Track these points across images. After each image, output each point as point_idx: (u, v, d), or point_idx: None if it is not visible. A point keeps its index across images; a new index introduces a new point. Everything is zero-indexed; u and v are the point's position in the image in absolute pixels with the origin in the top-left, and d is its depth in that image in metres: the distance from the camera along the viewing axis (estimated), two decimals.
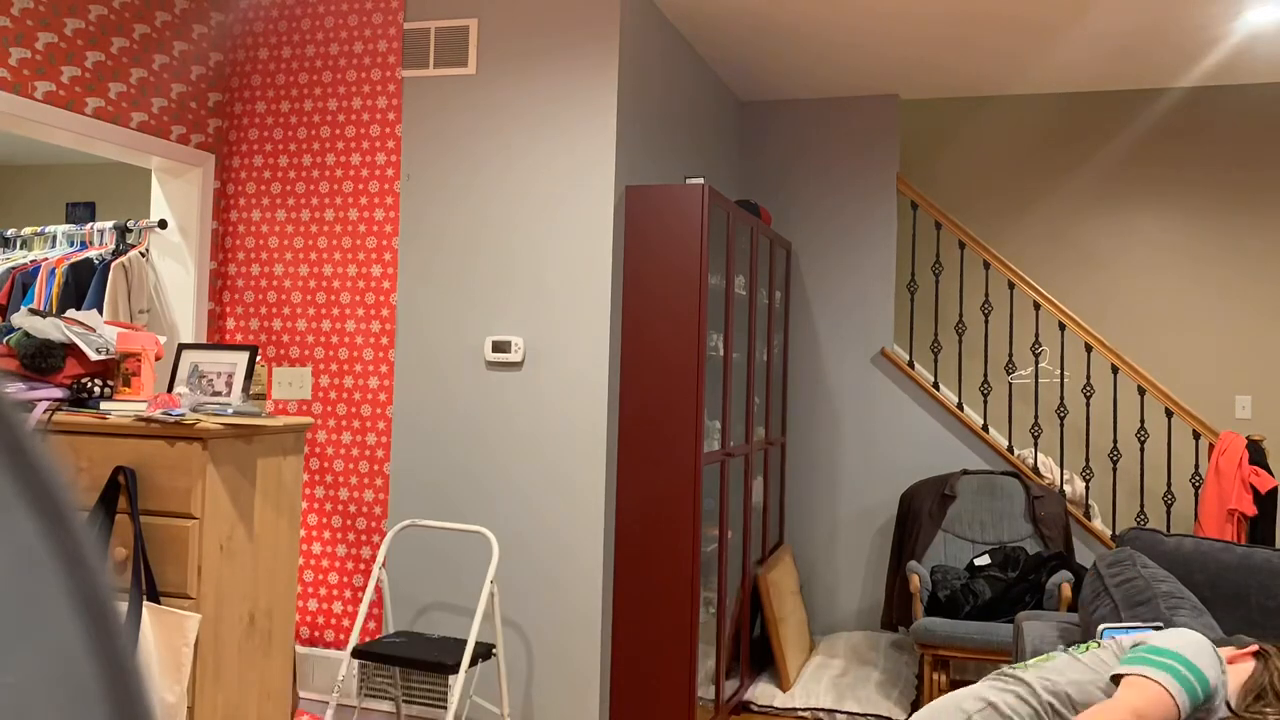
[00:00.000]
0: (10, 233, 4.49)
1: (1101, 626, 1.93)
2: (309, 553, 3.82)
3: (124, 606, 2.28)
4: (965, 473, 4.67)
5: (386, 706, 3.70)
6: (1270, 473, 4.38)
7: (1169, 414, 4.64)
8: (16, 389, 2.53)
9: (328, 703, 3.75)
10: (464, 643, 3.26)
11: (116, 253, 3.95)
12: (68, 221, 4.86)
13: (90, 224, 4.28)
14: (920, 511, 4.59)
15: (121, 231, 4.05)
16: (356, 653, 3.33)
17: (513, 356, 3.62)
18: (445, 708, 3.64)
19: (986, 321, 4.90)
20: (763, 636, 4.58)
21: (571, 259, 3.59)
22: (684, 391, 3.58)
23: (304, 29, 3.97)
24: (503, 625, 3.61)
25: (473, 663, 3.20)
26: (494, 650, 3.37)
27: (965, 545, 4.50)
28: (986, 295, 4.92)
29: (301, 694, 3.75)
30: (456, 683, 3.15)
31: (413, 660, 3.26)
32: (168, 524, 2.35)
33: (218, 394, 2.69)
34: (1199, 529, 4.44)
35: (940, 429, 4.91)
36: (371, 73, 3.87)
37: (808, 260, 5.23)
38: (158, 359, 2.72)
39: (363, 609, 3.40)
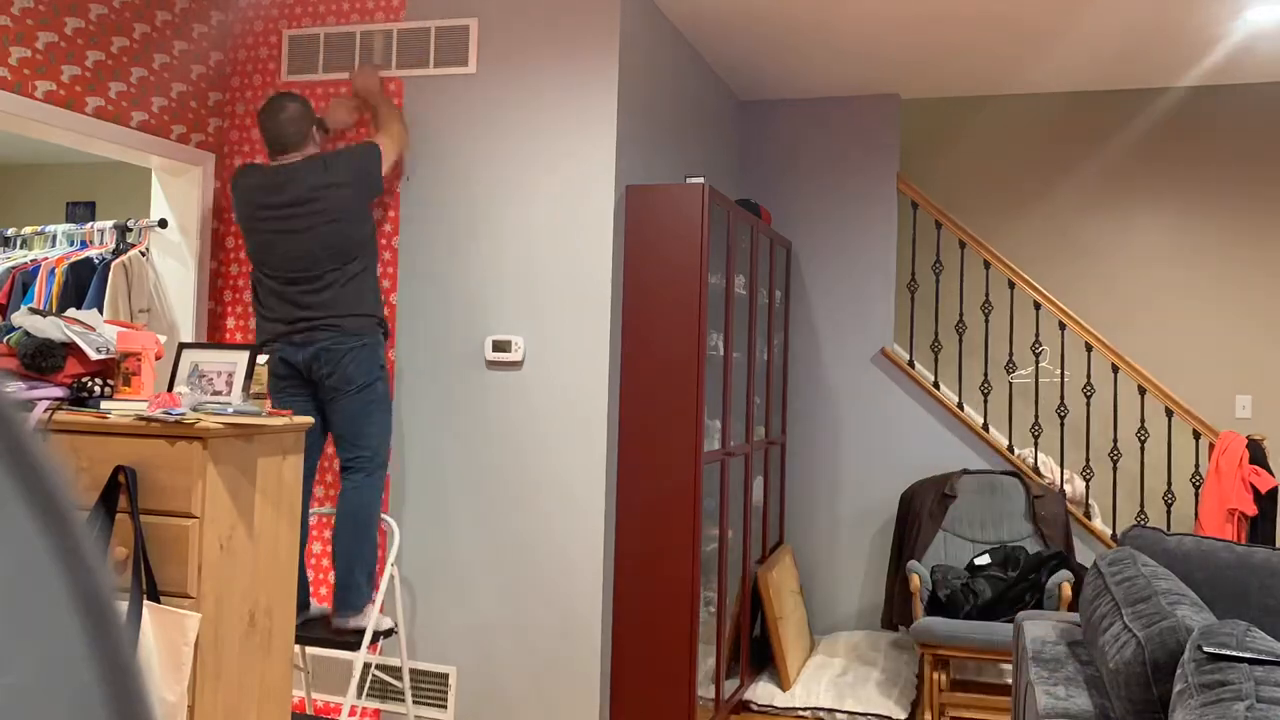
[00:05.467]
0: (10, 232, 4.49)
1: None
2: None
3: (124, 606, 2.28)
4: (965, 472, 4.67)
5: (378, 705, 3.70)
6: (1270, 472, 4.38)
7: (1169, 414, 4.64)
8: (16, 388, 2.53)
9: (329, 702, 3.75)
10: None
11: (116, 252, 3.95)
12: (68, 221, 4.86)
13: (90, 223, 4.28)
14: (920, 511, 4.60)
15: (121, 231, 4.05)
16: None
17: (513, 356, 3.62)
18: (431, 704, 3.64)
19: (986, 321, 4.90)
20: (763, 636, 4.58)
21: (571, 258, 3.59)
22: (684, 391, 3.58)
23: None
24: (503, 625, 3.62)
25: (374, 640, 3.30)
26: (394, 630, 3.44)
27: (965, 545, 4.50)
28: (987, 294, 4.92)
29: (301, 693, 3.75)
30: (358, 660, 3.23)
31: (318, 640, 3.32)
32: (168, 523, 2.36)
33: (218, 393, 2.69)
34: (1199, 528, 4.45)
35: (940, 428, 4.91)
36: None
37: (808, 260, 5.23)
38: (158, 358, 2.72)
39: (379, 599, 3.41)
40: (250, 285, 3.49)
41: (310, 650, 3.76)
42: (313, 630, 3.36)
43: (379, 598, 3.34)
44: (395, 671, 3.71)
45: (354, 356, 3.30)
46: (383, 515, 3.55)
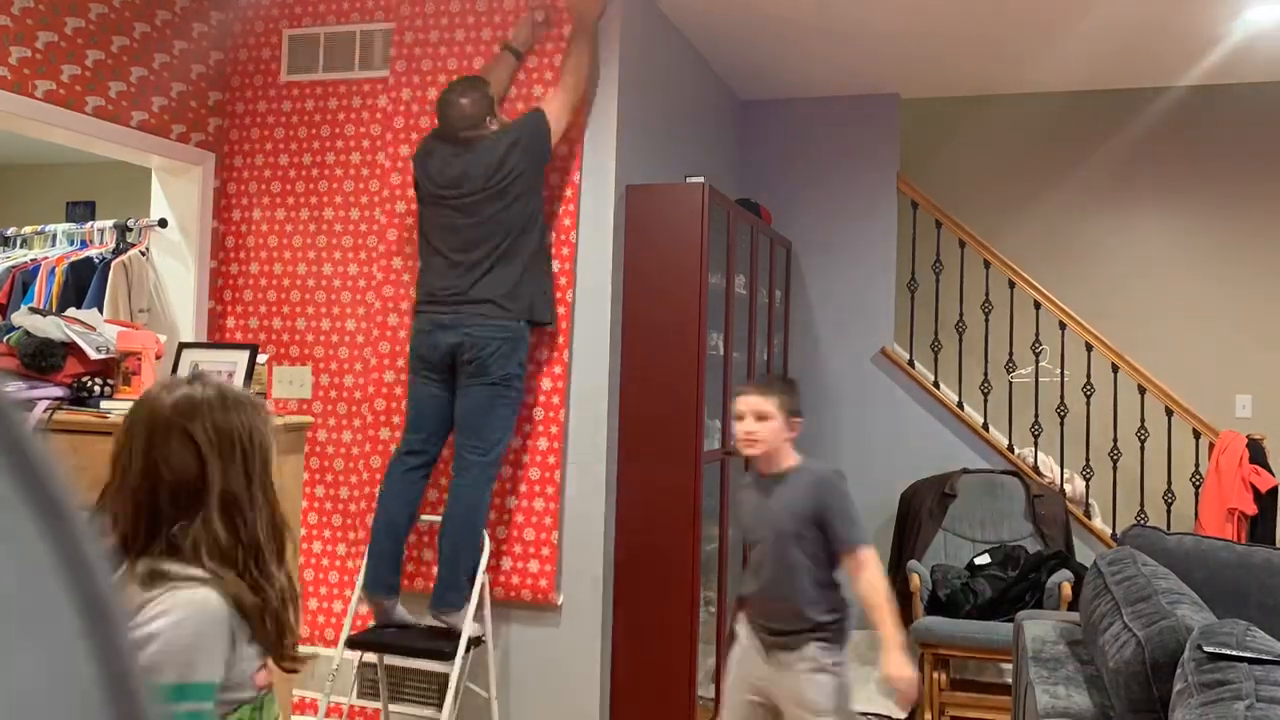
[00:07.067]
0: (10, 231, 4.49)
1: None
2: (309, 551, 3.82)
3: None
4: (965, 471, 4.67)
5: (378, 705, 3.70)
6: (1270, 472, 4.38)
7: (1169, 413, 4.64)
8: (17, 388, 2.53)
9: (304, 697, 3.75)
10: (455, 632, 3.28)
11: (117, 252, 3.95)
12: (68, 220, 4.85)
13: (90, 223, 4.28)
14: (920, 510, 4.59)
15: (122, 230, 4.05)
16: (350, 643, 3.33)
17: None
18: (429, 704, 3.64)
19: (986, 320, 4.89)
20: None
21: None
22: (684, 390, 3.58)
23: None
24: (505, 626, 3.61)
25: (465, 650, 3.24)
26: (483, 639, 3.40)
27: (965, 544, 4.50)
28: (987, 294, 4.91)
29: (301, 693, 3.75)
30: (454, 670, 3.19)
31: (409, 649, 3.28)
32: None
33: None
34: (1199, 528, 4.45)
35: (940, 428, 4.90)
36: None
37: (808, 259, 5.23)
38: (158, 358, 2.72)
39: (354, 600, 3.40)
40: (418, 254, 3.51)
41: (307, 650, 3.76)
42: (407, 639, 3.30)
43: (470, 605, 3.30)
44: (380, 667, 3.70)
45: (496, 349, 3.27)
46: None
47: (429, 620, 3.39)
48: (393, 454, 3.44)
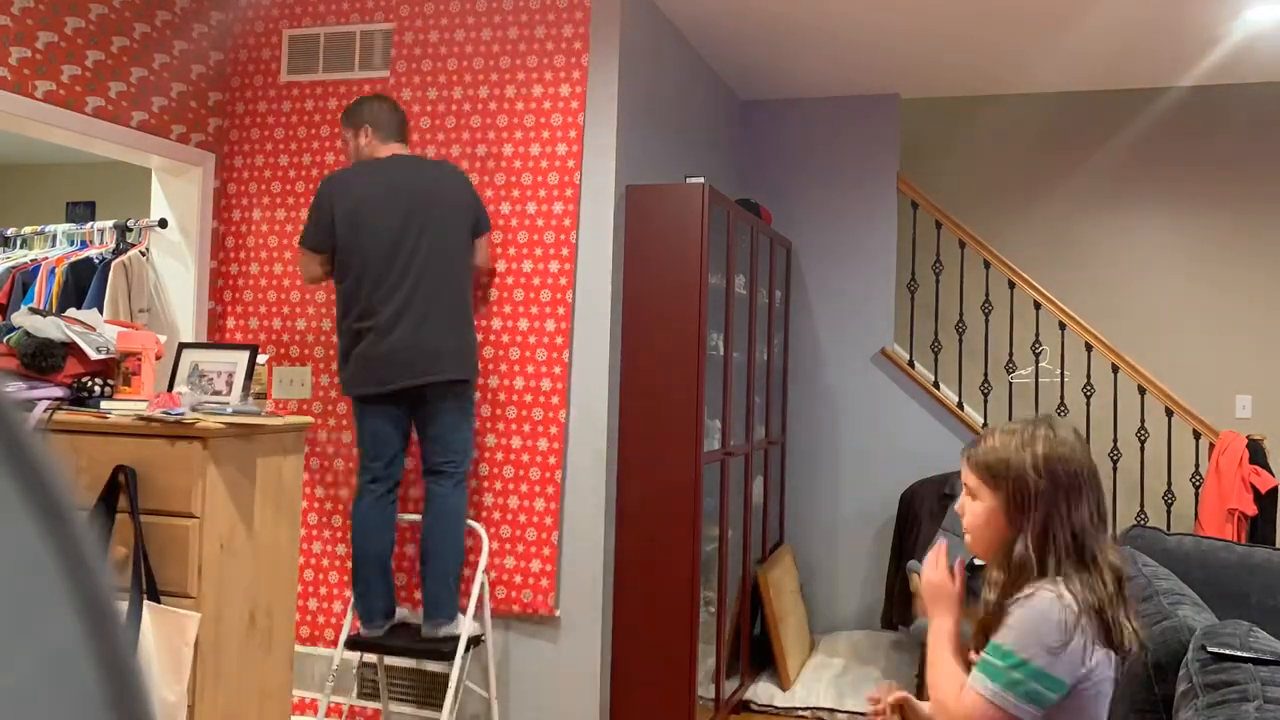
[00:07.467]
0: (10, 232, 4.49)
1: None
2: (309, 552, 3.82)
3: (124, 606, 2.28)
4: None
5: (378, 705, 3.69)
6: (1270, 472, 4.37)
7: (1169, 413, 4.63)
8: (17, 388, 2.53)
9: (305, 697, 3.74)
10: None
11: (117, 252, 3.95)
12: (68, 221, 4.85)
13: (90, 223, 4.28)
14: (920, 511, 4.59)
15: (122, 231, 4.04)
16: (350, 643, 3.33)
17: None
18: (429, 704, 3.64)
19: (987, 321, 4.89)
20: (763, 636, 4.58)
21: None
22: (684, 391, 3.58)
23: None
24: (505, 626, 3.61)
25: (465, 650, 3.24)
26: (482, 638, 3.40)
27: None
28: (987, 294, 4.91)
29: (301, 693, 3.74)
30: (454, 669, 3.19)
31: (408, 649, 3.28)
32: (168, 523, 2.35)
33: (218, 393, 2.69)
34: (1199, 528, 4.44)
35: (940, 428, 4.90)
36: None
37: (808, 259, 5.22)
38: (158, 358, 2.72)
39: (354, 601, 3.40)
40: (339, 305, 3.31)
41: (307, 650, 3.76)
42: (407, 639, 3.29)
43: (470, 605, 3.31)
44: (401, 672, 3.70)
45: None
46: (470, 523, 3.50)
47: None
48: (356, 487, 3.39)
